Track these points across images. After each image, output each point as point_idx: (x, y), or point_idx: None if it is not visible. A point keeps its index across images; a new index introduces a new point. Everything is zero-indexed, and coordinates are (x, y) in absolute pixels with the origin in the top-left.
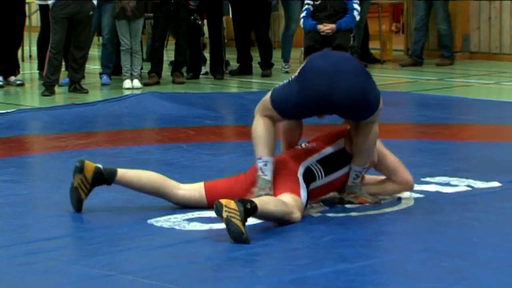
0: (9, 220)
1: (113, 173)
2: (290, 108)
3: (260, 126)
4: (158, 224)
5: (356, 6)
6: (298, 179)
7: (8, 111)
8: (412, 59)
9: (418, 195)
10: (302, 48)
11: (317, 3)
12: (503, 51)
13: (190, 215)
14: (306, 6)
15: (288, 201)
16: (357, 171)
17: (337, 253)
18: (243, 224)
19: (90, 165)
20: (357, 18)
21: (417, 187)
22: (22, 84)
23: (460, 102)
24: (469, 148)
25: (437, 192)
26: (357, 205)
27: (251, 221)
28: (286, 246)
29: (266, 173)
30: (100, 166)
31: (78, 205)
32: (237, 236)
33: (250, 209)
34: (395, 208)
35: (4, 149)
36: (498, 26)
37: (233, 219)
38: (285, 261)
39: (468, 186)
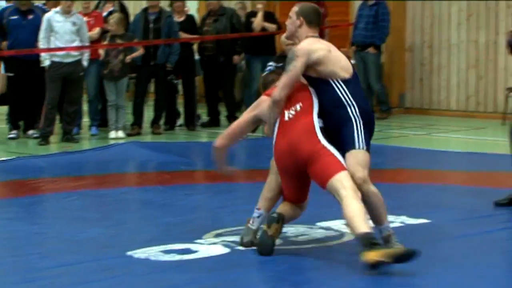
0: (7, 252)
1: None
2: None
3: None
4: (136, 256)
5: None
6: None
7: (9, 158)
8: None
9: None
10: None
11: (279, 65)
12: (432, 107)
13: (165, 247)
14: (269, 67)
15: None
16: None
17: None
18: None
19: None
20: None
21: None
22: (38, 137)
23: (396, 150)
24: (403, 189)
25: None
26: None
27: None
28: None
29: (254, 224)
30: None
31: (270, 252)
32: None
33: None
34: (339, 241)
35: (7, 191)
36: (428, 86)
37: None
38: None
39: (401, 222)
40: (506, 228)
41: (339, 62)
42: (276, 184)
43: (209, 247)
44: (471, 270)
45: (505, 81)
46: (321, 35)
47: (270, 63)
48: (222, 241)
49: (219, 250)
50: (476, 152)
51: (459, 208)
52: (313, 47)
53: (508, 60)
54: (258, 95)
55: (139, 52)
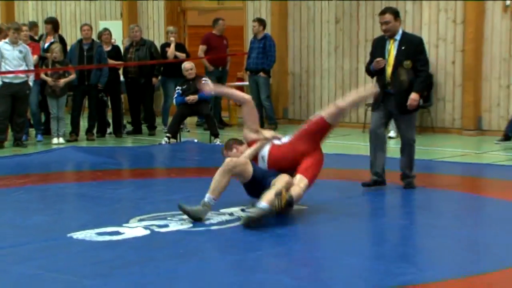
0: None
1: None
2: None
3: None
4: (74, 237)
5: None
6: None
7: None
8: None
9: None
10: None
11: (184, 87)
12: (306, 118)
13: (98, 230)
14: (177, 90)
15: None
16: None
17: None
18: None
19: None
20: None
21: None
22: None
23: None
24: None
25: None
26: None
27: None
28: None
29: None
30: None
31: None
32: None
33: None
34: (237, 223)
35: None
36: (306, 102)
37: None
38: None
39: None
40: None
41: None
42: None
43: (133, 230)
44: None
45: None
46: (224, 62)
47: (178, 87)
48: (144, 225)
49: (141, 232)
50: (343, 154)
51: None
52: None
53: (366, 81)
54: (171, 109)
55: (71, 77)
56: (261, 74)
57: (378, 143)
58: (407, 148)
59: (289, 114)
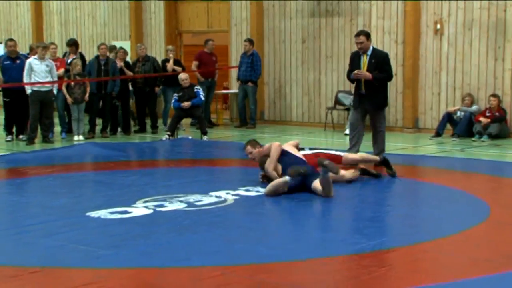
0: (3, 215)
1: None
2: None
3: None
4: (91, 216)
5: (201, 93)
6: None
7: (6, 153)
8: (241, 124)
9: (236, 197)
10: None
11: (180, 94)
12: (282, 119)
13: (110, 210)
14: (175, 97)
15: None
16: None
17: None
18: None
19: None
20: (203, 99)
21: (235, 192)
22: (26, 140)
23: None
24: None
25: (246, 196)
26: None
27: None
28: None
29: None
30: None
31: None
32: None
33: None
34: (223, 204)
35: (5, 175)
36: (279, 106)
37: None
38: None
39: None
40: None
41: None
42: None
43: (139, 209)
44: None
45: (325, 103)
46: (213, 74)
47: (175, 94)
48: (147, 206)
49: (145, 211)
50: (309, 147)
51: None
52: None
53: (327, 89)
54: (170, 112)
55: (88, 89)
56: (250, 83)
57: (359, 129)
58: (380, 135)
59: (265, 116)
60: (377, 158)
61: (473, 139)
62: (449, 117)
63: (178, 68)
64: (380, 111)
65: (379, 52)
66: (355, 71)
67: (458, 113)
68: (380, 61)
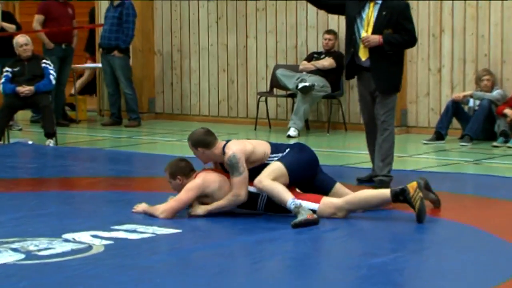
0: None
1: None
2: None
3: (276, 184)
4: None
5: (52, 72)
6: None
7: None
8: (112, 120)
9: (107, 242)
10: None
11: (16, 70)
12: (184, 113)
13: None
14: (6, 73)
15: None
16: None
17: None
18: None
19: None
20: (54, 82)
21: (106, 234)
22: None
23: (145, 157)
24: (152, 197)
25: (125, 239)
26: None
27: None
28: None
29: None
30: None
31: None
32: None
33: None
34: (87, 254)
35: None
36: (179, 91)
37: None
38: None
39: (152, 233)
40: None
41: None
42: None
43: None
44: None
45: (256, 85)
46: (70, 37)
47: (6, 69)
48: None
49: None
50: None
51: None
52: (247, 148)
53: (259, 63)
54: None
55: None
56: (115, 53)
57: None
58: (386, 138)
59: (156, 106)
60: (387, 193)
61: (494, 143)
62: (455, 109)
63: (10, 26)
64: (388, 96)
65: (395, 1)
66: (362, 36)
67: (470, 102)
68: (396, 15)
